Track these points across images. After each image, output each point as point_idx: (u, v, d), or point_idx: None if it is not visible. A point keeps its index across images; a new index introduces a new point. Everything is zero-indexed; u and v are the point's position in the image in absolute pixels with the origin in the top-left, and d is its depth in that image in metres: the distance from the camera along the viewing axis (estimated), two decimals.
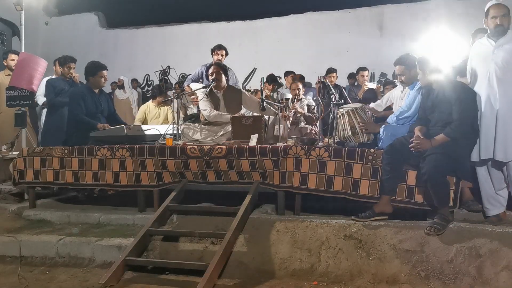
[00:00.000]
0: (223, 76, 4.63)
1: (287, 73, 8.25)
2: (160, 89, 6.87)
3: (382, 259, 3.00)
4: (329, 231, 3.21)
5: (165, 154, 3.89)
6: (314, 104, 5.55)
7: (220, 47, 5.72)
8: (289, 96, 5.85)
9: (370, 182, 3.43)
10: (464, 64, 3.71)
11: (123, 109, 8.90)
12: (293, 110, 5.04)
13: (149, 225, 3.46)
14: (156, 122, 6.19)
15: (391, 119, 3.88)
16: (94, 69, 4.63)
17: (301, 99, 5.58)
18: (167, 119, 6.32)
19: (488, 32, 3.42)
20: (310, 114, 5.30)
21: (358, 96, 6.26)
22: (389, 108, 4.66)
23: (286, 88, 7.50)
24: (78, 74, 5.42)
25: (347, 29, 9.64)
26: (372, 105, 4.37)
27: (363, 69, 7.07)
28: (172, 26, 11.02)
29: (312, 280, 2.98)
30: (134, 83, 9.95)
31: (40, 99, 5.88)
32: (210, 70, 4.71)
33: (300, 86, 5.61)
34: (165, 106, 6.42)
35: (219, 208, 3.69)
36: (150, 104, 6.51)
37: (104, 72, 4.66)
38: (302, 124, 5.23)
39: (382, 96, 5.15)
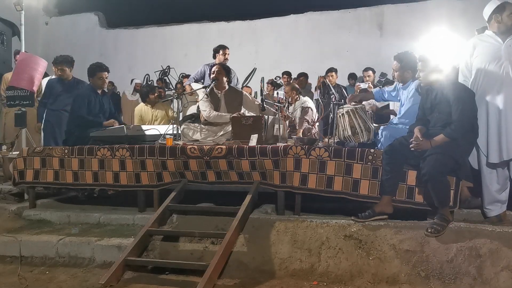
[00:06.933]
0: (224, 77, 4.63)
1: (284, 73, 8.35)
2: (150, 88, 6.68)
3: (382, 259, 3.00)
4: (329, 231, 3.21)
5: (165, 154, 3.89)
6: (309, 105, 5.60)
7: (225, 47, 5.71)
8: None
9: (370, 182, 3.43)
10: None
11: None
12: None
13: (149, 225, 3.46)
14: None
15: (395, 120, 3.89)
16: (93, 70, 4.66)
17: (297, 98, 5.67)
18: (167, 118, 6.22)
19: (496, 29, 3.36)
20: (306, 118, 5.35)
21: None
22: (387, 107, 4.67)
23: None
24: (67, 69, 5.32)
25: (347, 29, 9.65)
26: (364, 103, 4.38)
27: (366, 69, 7.08)
28: (172, 26, 11.02)
29: (312, 280, 2.97)
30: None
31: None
32: (213, 69, 4.71)
33: (292, 92, 5.76)
34: (162, 110, 6.31)
35: (219, 208, 3.68)
36: (144, 107, 6.39)
37: (103, 74, 4.66)
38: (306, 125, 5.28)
39: None
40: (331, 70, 7.23)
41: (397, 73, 3.89)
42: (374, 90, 4.32)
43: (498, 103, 3.29)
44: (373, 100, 4.37)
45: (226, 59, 5.59)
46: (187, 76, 7.48)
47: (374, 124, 4.04)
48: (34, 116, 6.25)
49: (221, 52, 5.65)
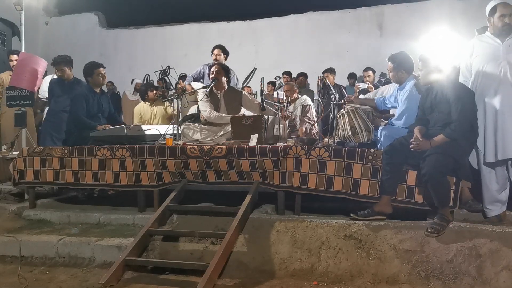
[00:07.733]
0: (223, 77, 4.62)
1: (285, 73, 8.35)
2: (148, 86, 6.68)
3: (382, 259, 3.00)
4: (329, 231, 3.21)
5: (165, 154, 3.89)
6: (309, 103, 5.60)
7: (216, 47, 5.72)
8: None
9: (370, 182, 3.43)
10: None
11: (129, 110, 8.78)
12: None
13: (149, 225, 3.46)
14: (155, 123, 6.09)
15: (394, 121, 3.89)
16: (91, 68, 4.66)
17: (297, 98, 5.68)
18: (166, 116, 6.22)
19: (492, 30, 3.38)
20: (308, 116, 5.35)
21: None
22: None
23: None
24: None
25: (347, 29, 9.67)
26: (361, 97, 4.37)
27: (366, 69, 7.08)
28: (172, 26, 11.04)
29: (312, 280, 2.97)
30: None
31: (45, 94, 5.90)
32: (211, 70, 4.71)
33: (293, 89, 5.76)
34: (161, 105, 6.33)
35: (219, 208, 3.68)
36: (143, 105, 6.39)
37: (101, 69, 4.68)
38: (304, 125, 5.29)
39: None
40: (327, 71, 7.18)
41: (391, 73, 3.90)
42: (375, 98, 4.30)
43: (495, 103, 3.29)
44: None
45: (215, 59, 5.59)
46: (184, 77, 7.48)
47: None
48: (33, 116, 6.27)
49: (215, 51, 5.68)
